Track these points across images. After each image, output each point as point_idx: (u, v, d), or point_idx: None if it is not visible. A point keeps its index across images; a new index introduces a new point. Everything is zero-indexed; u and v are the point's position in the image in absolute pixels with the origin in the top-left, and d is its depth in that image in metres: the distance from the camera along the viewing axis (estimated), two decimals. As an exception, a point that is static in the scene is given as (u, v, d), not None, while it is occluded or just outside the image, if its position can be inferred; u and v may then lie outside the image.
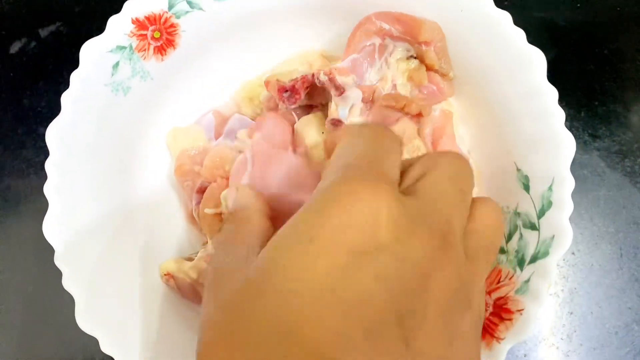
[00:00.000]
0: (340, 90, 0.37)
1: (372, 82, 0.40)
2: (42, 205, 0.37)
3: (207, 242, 0.44)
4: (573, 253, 0.48)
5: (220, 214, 0.42)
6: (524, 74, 0.38)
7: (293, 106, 0.39)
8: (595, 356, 0.46)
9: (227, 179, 0.42)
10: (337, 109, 0.38)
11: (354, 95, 0.38)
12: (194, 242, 0.46)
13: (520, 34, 0.37)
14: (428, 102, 0.41)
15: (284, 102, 0.39)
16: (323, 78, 0.37)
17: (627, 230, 0.48)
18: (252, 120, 0.45)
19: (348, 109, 0.38)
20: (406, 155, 0.38)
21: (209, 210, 0.42)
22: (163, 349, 0.39)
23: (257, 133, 0.40)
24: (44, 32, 0.54)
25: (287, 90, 0.39)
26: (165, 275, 0.42)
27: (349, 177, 0.23)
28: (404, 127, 0.38)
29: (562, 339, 0.46)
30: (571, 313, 0.47)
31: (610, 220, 0.49)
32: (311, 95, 0.41)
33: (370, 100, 0.39)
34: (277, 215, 0.33)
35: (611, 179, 0.49)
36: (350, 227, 0.22)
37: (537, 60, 0.37)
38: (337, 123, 0.38)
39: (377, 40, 0.40)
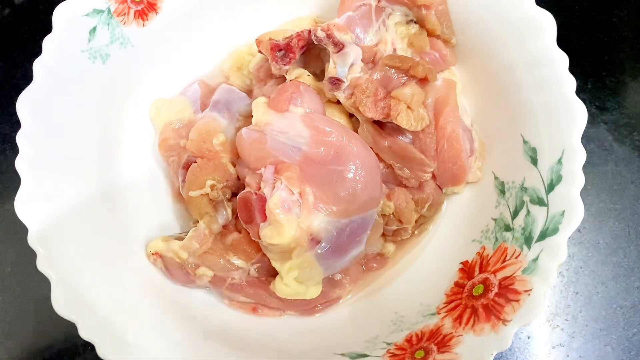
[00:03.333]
0: (339, 47, 0.35)
1: (371, 44, 0.37)
2: (19, 184, 0.35)
3: (197, 222, 0.42)
4: (579, 230, 0.46)
5: (207, 195, 0.41)
6: (532, 39, 0.35)
7: (287, 67, 0.36)
8: (602, 337, 0.44)
9: (211, 158, 0.39)
10: (335, 67, 0.35)
11: (354, 52, 0.35)
12: (183, 221, 0.44)
13: (528, -5, 0.35)
14: (432, 68, 0.38)
15: (277, 62, 0.36)
16: (320, 34, 0.35)
17: (635, 206, 0.46)
18: (242, 91, 0.42)
19: (347, 67, 0.35)
20: (412, 123, 0.35)
21: (194, 193, 0.40)
22: (148, 334, 0.36)
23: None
24: (18, -1, 0.51)
25: (281, 49, 0.36)
26: (152, 254, 0.40)
27: None
28: (412, 91, 0.35)
29: (567, 319, 0.44)
30: (577, 293, 0.45)
31: (618, 196, 0.47)
32: (306, 61, 0.39)
33: (371, 61, 0.37)
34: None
35: (619, 153, 0.47)
36: None
37: (546, 23, 0.35)
38: (335, 82, 0.36)
39: (372, 1, 0.38)
